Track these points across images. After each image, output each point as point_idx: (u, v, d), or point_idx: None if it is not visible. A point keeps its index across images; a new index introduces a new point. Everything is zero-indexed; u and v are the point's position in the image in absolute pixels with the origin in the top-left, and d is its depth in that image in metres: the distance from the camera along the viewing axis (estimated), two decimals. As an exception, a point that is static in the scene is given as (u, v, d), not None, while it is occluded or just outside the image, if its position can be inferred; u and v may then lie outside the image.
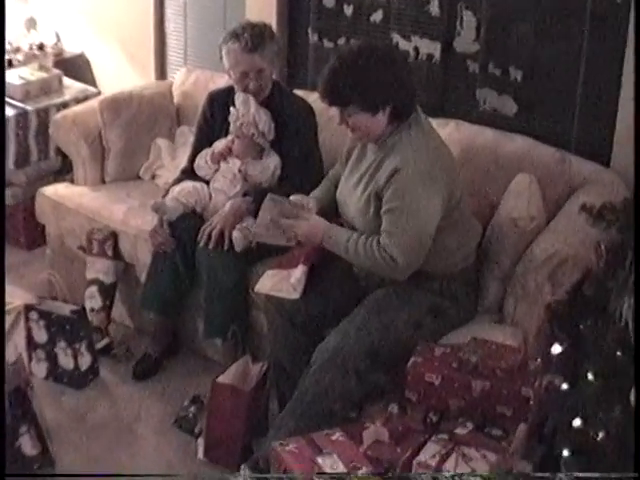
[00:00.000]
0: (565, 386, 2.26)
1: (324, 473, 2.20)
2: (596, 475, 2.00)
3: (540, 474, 2.10)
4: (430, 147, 2.73)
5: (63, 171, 4.11)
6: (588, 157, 3.21)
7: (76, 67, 4.59)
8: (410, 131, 2.72)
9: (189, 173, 3.37)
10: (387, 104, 2.65)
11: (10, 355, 2.98)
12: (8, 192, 4.15)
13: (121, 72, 4.52)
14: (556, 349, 2.28)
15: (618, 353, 2.13)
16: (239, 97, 3.23)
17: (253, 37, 3.20)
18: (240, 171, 3.25)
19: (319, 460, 2.21)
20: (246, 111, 3.20)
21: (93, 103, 3.86)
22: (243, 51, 3.20)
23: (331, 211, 2.94)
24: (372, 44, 2.71)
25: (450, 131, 3.29)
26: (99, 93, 4.31)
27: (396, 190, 2.66)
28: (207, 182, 3.33)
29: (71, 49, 4.65)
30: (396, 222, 2.66)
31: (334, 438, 2.34)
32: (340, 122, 2.72)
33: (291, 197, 2.88)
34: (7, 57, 4.38)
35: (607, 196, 2.53)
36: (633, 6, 2.95)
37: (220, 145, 3.29)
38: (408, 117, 2.72)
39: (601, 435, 2.12)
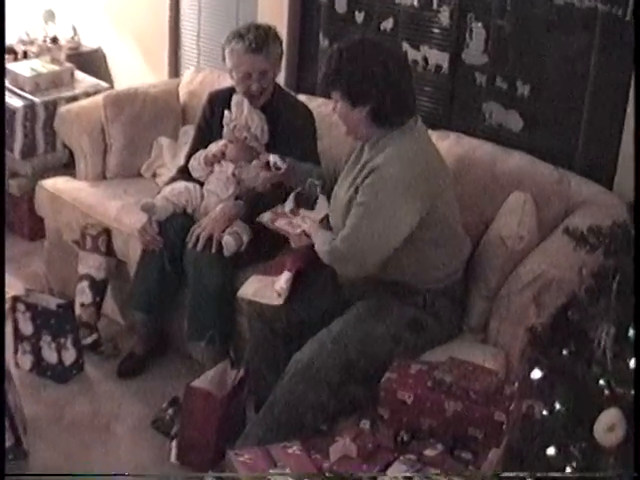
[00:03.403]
0: (545, 412, 2.20)
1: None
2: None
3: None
4: (418, 157, 2.67)
5: (70, 165, 4.08)
6: (592, 178, 3.14)
7: (92, 62, 4.61)
8: (403, 137, 2.67)
9: (185, 173, 3.34)
10: (368, 101, 2.62)
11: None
12: (14, 182, 4.18)
13: (136, 68, 4.53)
14: (536, 374, 2.22)
15: (589, 382, 2.09)
16: (234, 99, 3.19)
17: (257, 38, 3.16)
18: (234, 175, 3.22)
19: (271, 472, 2.17)
20: (239, 114, 3.17)
21: (98, 98, 3.86)
22: (247, 51, 3.16)
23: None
24: (378, 41, 2.70)
25: (450, 144, 3.24)
26: (111, 88, 4.31)
27: (370, 186, 2.63)
28: (202, 183, 3.30)
29: (88, 43, 4.67)
30: (358, 216, 2.62)
31: (290, 451, 2.29)
32: (333, 107, 2.73)
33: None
34: (22, 48, 4.42)
35: (605, 219, 2.44)
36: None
37: (214, 148, 3.26)
38: (396, 122, 2.66)
39: (568, 469, 2.07)
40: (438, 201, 2.67)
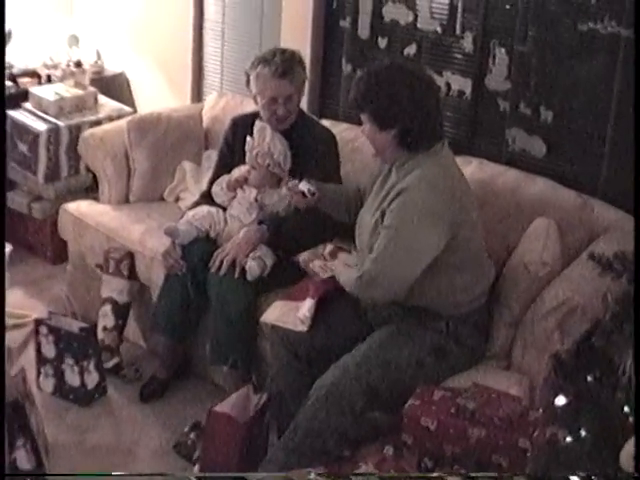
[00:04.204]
0: (569, 439, 2.18)
1: None
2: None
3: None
4: (443, 181, 2.67)
5: (93, 188, 4.11)
6: (615, 204, 3.12)
7: (116, 86, 4.65)
8: (429, 160, 2.68)
9: (208, 197, 3.35)
10: (395, 124, 2.64)
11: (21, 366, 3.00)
12: (37, 206, 4.21)
13: (159, 93, 4.56)
14: (560, 400, 2.20)
15: (615, 409, 2.07)
16: (256, 125, 3.20)
17: (283, 62, 3.16)
18: (256, 200, 3.22)
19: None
20: (261, 140, 3.17)
21: (122, 123, 3.88)
22: (273, 76, 3.16)
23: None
24: (407, 65, 2.74)
25: (472, 170, 3.24)
26: (134, 113, 4.33)
27: (396, 209, 2.63)
28: (224, 208, 3.31)
29: (112, 68, 4.71)
30: (385, 240, 2.63)
31: (312, 477, 2.28)
32: (362, 130, 2.75)
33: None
34: (46, 72, 4.45)
35: (629, 245, 2.44)
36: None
37: (237, 173, 3.26)
38: (423, 146, 2.67)
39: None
40: (463, 225, 2.66)
